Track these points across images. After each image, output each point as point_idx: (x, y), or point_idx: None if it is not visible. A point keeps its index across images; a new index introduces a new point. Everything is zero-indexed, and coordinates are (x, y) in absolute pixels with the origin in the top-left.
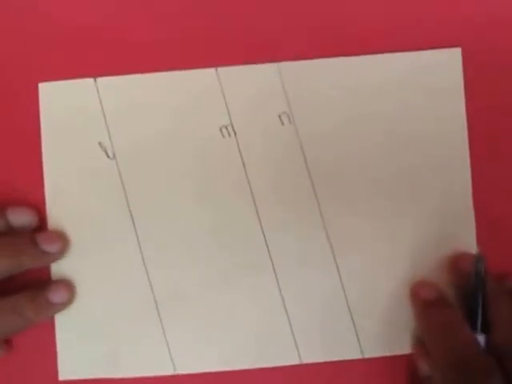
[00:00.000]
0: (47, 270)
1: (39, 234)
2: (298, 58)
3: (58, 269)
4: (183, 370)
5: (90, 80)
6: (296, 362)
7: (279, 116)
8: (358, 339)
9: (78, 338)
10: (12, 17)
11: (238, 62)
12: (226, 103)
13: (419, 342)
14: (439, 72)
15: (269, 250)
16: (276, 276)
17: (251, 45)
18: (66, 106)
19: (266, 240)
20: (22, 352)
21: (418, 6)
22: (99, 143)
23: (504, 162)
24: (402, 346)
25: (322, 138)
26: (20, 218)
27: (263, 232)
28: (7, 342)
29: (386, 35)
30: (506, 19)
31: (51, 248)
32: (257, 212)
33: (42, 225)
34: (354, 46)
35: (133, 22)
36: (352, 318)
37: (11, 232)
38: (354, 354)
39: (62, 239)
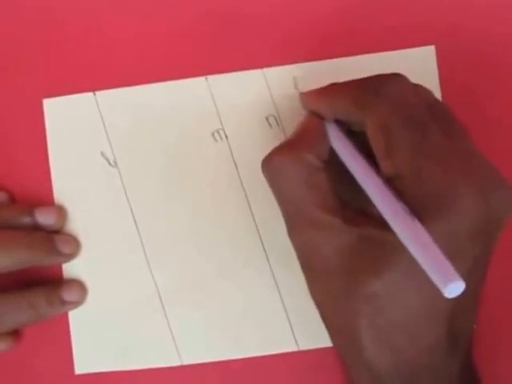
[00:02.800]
0: (59, 269)
1: (56, 235)
2: (282, 63)
3: (70, 268)
4: (189, 360)
5: (90, 94)
6: (294, 348)
7: (266, 118)
8: None
9: (91, 333)
10: (12, 34)
11: (226, 70)
12: (216, 109)
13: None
14: (415, 71)
15: (263, 244)
16: (271, 268)
17: (238, 53)
18: (69, 119)
19: (260, 235)
20: (35, 346)
21: (388, 7)
22: (101, 152)
23: None
24: None
25: None
26: (47, 217)
27: (257, 228)
28: (16, 333)
29: (360, 37)
30: (479, 15)
31: (66, 249)
32: (250, 208)
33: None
34: (331, 49)
35: (128, 38)
36: None
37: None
38: None
39: (76, 242)
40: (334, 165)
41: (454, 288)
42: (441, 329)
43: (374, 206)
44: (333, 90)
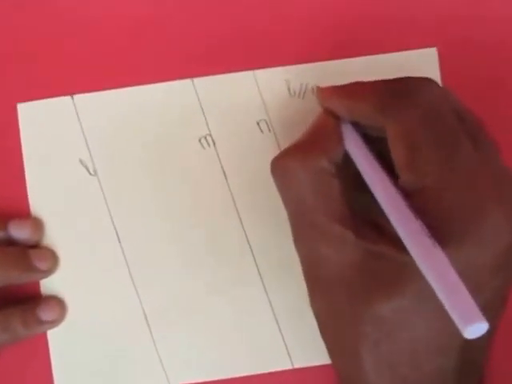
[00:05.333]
0: (37, 285)
1: (33, 250)
2: (273, 64)
3: (48, 284)
4: (177, 381)
5: (67, 98)
6: (288, 367)
7: (258, 123)
8: None
9: (72, 354)
10: None
11: (214, 72)
12: (203, 113)
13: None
14: (416, 73)
15: (255, 259)
16: (263, 284)
17: (226, 54)
18: (45, 125)
19: (251, 249)
20: (12, 368)
21: (389, 8)
22: (80, 160)
23: None
24: None
25: None
26: (22, 231)
27: (248, 241)
28: None
29: (360, 39)
30: (480, 16)
31: (42, 265)
32: (240, 221)
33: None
34: (328, 51)
35: (106, 38)
36: None
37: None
38: None
39: (54, 257)
40: (346, 169)
41: (475, 329)
42: (449, 361)
43: (387, 219)
44: (355, 88)
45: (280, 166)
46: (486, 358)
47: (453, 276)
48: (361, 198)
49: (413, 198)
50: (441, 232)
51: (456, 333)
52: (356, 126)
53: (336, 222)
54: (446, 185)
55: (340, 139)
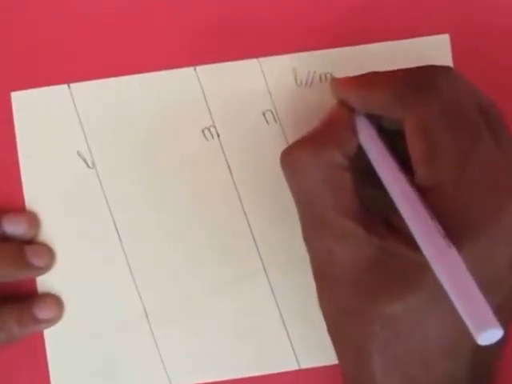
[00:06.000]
0: (33, 282)
1: (28, 246)
2: (279, 52)
3: (45, 282)
4: (178, 382)
5: (64, 86)
6: (295, 367)
7: (263, 114)
8: None
9: (69, 354)
10: None
11: (218, 60)
12: (206, 104)
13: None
14: (428, 60)
15: (260, 255)
16: (269, 281)
17: (231, 41)
18: (40, 114)
19: (256, 245)
20: (7, 368)
21: None
22: (78, 152)
23: None
24: None
25: None
26: (17, 226)
27: (253, 237)
28: None
29: (372, 26)
30: (493, 2)
31: (39, 262)
32: (245, 215)
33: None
34: (337, 38)
35: (105, 24)
36: None
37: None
38: None
39: (51, 254)
40: (358, 163)
41: (489, 335)
42: (460, 364)
43: (399, 216)
44: (372, 78)
45: (290, 159)
46: (498, 360)
47: (467, 279)
48: (372, 194)
49: (428, 194)
50: (456, 229)
51: (468, 335)
52: (371, 118)
53: (348, 217)
54: (464, 181)
55: (354, 132)
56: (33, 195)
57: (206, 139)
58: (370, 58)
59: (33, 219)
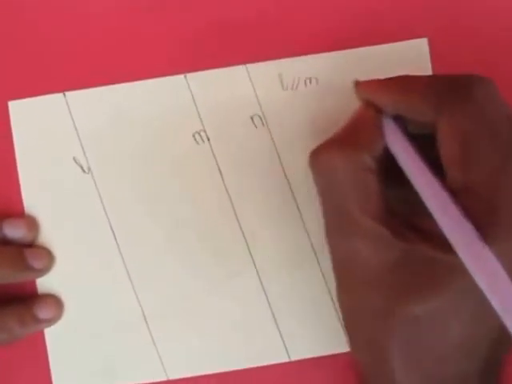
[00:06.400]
0: (33, 284)
1: (28, 249)
2: (265, 58)
3: (44, 283)
4: (175, 375)
5: (60, 95)
6: (285, 359)
7: (251, 118)
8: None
9: (70, 352)
10: None
11: (207, 67)
12: (197, 109)
13: None
14: (407, 64)
15: (250, 253)
16: (259, 277)
17: (219, 49)
18: (37, 122)
19: (247, 243)
20: (9, 367)
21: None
22: (74, 158)
23: None
24: None
25: (296, 139)
26: (17, 230)
27: (244, 237)
28: None
29: (350, 31)
30: (470, 4)
31: (38, 264)
32: (236, 217)
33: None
34: (320, 44)
35: (96, 34)
36: (337, 313)
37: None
38: (344, 347)
39: (49, 256)
40: (382, 165)
41: None
42: (475, 360)
43: (425, 220)
44: (405, 81)
45: (319, 160)
46: (508, 354)
47: (503, 278)
48: (395, 196)
49: (459, 197)
50: (489, 231)
51: (486, 334)
52: (396, 121)
53: (374, 219)
54: (497, 185)
55: (381, 133)
56: (31, 200)
57: (197, 143)
58: (351, 64)
59: (32, 223)
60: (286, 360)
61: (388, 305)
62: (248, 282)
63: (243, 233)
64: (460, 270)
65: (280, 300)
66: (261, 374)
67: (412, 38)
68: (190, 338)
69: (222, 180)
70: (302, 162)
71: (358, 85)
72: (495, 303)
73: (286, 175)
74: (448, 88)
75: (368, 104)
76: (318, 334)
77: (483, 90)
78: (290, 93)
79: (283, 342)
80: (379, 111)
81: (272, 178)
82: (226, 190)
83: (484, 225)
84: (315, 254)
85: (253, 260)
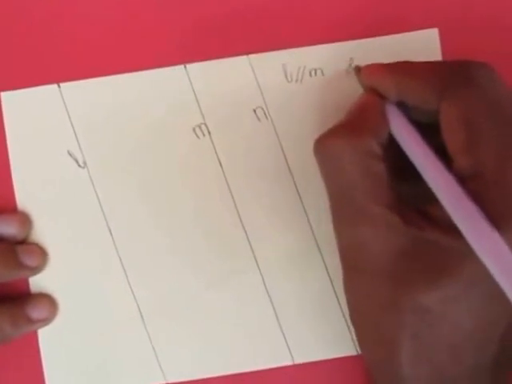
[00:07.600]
0: (25, 283)
1: (20, 246)
2: (268, 48)
3: (37, 282)
4: (173, 378)
5: (54, 86)
6: (289, 362)
7: (254, 111)
8: (352, 335)
9: (64, 353)
10: None
11: (208, 57)
12: (197, 102)
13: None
14: (417, 55)
15: (253, 250)
16: (262, 275)
17: (220, 38)
18: (31, 114)
19: (249, 241)
20: (4, 368)
21: None
22: (68, 152)
23: None
24: None
25: (301, 133)
26: (9, 226)
27: (246, 233)
28: None
29: (361, 21)
30: None
31: (31, 262)
32: (238, 213)
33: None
34: (326, 33)
35: (93, 23)
36: (343, 314)
37: None
38: (350, 351)
39: (43, 254)
40: (389, 154)
41: None
42: (487, 351)
43: (434, 207)
44: (408, 66)
45: (325, 147)
46: None
47: None
48: (403, 185)
49: (467, 183)
50: (497, 216)
51: (498, 322)
52: (400, 108)
53: (384, 206)
54: (505, 170)
55: (386, 119)
56: (24, 195)
57: (198, 137)
58: (359, 54)
59: (24, 219)
60: (290, 363)
61: (396, 294)
62: (250, 281)
63: (244, 228)
64: (470, 256)
65: (284, 301)
66: (263, 377)
67: (422, 29)
68: (189, 339)
69: (224, 175)
70: (306, 157)
71: (362, 69)
72: (506, 288)
73: (290, 170)
74: (449, 73)
75: (371, 90)
76: (323, 336)
77: (484, 73)
78: (294, 84)
79: (286, 344)
80: (383, 97)
81: (275, 173)
82: (228, 185)
83: (492, 211)
84: (319, 250)
85: (255, 257)
